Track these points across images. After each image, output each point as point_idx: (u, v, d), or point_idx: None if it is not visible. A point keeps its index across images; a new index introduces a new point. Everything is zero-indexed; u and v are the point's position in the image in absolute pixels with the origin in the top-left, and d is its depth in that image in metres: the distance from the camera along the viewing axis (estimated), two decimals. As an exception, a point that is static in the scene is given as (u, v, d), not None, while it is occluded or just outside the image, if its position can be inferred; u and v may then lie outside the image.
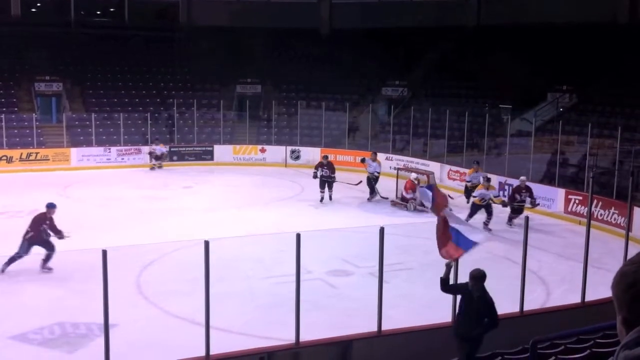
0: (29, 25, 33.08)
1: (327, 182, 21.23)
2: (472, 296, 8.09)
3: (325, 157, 22.37)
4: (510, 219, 18.41)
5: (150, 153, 28.02)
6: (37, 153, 27.67)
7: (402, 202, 20.70)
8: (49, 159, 27.62)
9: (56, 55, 32.34)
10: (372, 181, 21.71)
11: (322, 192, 21.23)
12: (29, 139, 28.32)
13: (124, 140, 29.16)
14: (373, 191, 21.67)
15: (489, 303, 8.08)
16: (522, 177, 19.24)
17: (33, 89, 31.24)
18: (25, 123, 29.08)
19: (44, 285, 12.73)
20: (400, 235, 15.66)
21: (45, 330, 10.66)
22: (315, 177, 21.43)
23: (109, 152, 28.51)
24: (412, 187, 20.54)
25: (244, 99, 32.97)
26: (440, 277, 8.42)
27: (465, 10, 35.17)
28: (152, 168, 27.80)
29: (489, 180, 18.60)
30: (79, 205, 21.00)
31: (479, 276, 8.10)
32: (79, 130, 29.79)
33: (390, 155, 27.23)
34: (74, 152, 28.16)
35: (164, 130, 30.48)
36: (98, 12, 38.30)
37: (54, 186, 23.37)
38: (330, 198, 21.29)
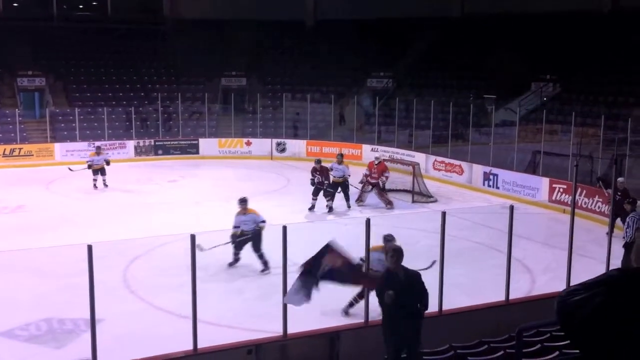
0: (10, 20, 32.80)
1: (321, 190, 18.98)
2: (398, 278, 7.09)
3: (318, 161, 19.44)
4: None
5: (90, 166, 22.14)
6: (20, 148, 27.47)
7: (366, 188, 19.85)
8: (32, 155, 27.43)
9: (38, 50, 32.08)
10: (337, 187, 19.17)
11: (315, 199, 18.94)
12: (12, 134, 28.11)
13: (108, 135, 28.99)
14: (333, 198, 19.10)
15: (419, 279, 7.28)
16: (620, 179, 16.59)
17: (15, 84, 30.99)
18: (8, 119, 28.84)
19: (29, 281, 12.66)
20: (386, 226, 15.65)
21: (31, 327, 10.60)
22: (313, 184, 19.00)
23: (93, 146, 28.31)
24: (370, 168, 19.97)
25: (229, 92, 32.90)
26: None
27: (450, 0, 35.24)
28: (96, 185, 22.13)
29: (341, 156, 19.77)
30: (63, 200, 20.90)
31: (400, 250, 7.29)
32: (63, 125, 29.60)
33: (376, 147, 27.28)
34: (58, 147, 27.98)
35: (148, 125, 30.36)
36: (80, 6, 38.03)
37: (38, 182, 23.26)
38: (331, 209, 18.90)
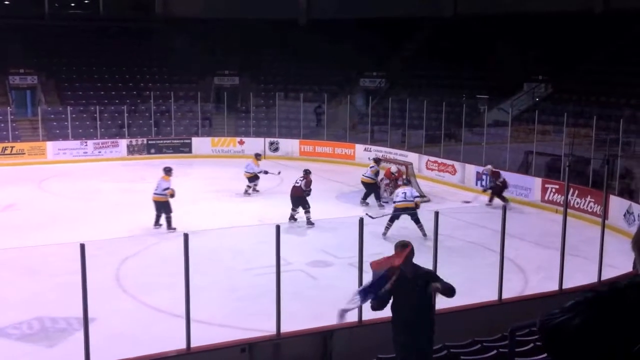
0: (2, 18, 32.61)
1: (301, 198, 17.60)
2: (407, 280, 6.48)
3: (309, 172, 18.32)
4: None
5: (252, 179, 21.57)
6: (12, 147, 27.35)
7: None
8: (24, 153, 27.31)
9: (30, 48, 31.91)
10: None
11: (296, 211, 17.63)
12: (4, 132, 28.00)
13: (100, 134, 28.92)
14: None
15: (431, 273, 7.03)
16: (488, 166, 20.81)
17: (7, 83, 30.84)
18: (0, 117, 28.72)
19: (21, 279, 12.62)
20: (379, 225, 15.71)
21: (23, 325, 10.57)
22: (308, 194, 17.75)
23: (86, 145, 28.26)
24: (388, 176, 20.86)
25: (222, 90, 32.85)
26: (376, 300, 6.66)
27: (442, 0, 35.28)
28: (249, 191, 21.41)
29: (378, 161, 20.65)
30: (55, 199, 20.82)
31: (410, 246, 6.64)
32: (55, 123, 29.50)
33: (369, 146, 27.30)
34: (50, 145, 27.88)
35: (140, 123, 30.29)
36: (72, 4, 37.83)
37: (30, 180, 23.16)
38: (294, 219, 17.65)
